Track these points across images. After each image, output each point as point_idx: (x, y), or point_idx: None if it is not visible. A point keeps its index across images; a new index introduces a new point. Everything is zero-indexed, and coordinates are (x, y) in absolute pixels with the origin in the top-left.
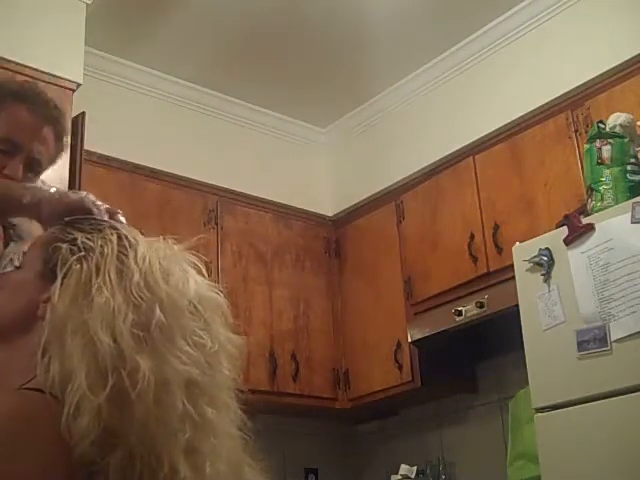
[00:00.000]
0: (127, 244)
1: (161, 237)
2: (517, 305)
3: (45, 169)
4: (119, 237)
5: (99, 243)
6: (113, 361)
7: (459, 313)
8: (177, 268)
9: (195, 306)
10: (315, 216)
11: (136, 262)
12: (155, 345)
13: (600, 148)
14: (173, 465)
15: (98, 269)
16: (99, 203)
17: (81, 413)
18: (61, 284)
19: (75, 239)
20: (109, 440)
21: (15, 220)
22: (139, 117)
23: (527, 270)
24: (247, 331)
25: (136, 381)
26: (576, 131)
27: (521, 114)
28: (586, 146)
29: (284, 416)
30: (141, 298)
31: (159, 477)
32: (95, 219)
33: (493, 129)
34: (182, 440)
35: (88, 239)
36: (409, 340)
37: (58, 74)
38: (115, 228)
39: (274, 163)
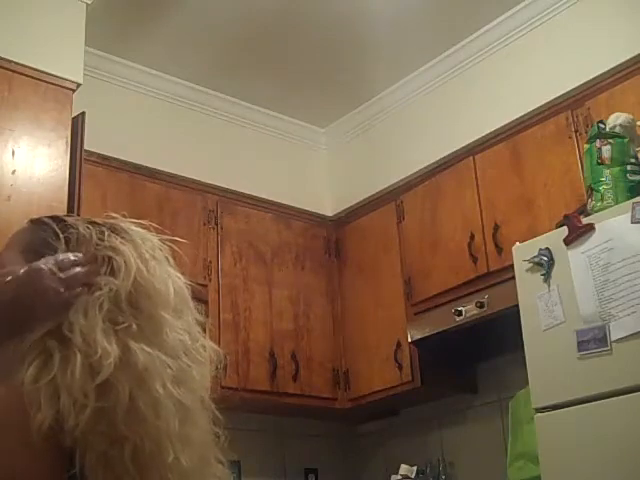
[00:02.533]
0: (115, 262)
1: (146, 229)
2: (517, 305)
3: None
4: (110, 253)
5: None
6: (98, 357)
7: (459, 313)
8: (160, 271)
9: (176, 306)
10: (315, 216)
11: (122, 278)
12: (142, 340)
13: (600, 148)
14: (166, 449)
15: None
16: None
17: (69, 407)
18: None
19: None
20: (98, 431)
21: None
22: (139, 117)
23: (527, 270)
24: (247, 331)
25: (125, 376)
26: (576, 131)
27: (521, 114)
28: (586, 146)
29: (284, 416)
30: (127, 305)
31: (157, 464)
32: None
33: (493, 129)
34: (174, 427)
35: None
36: (409, 340)
37: (58, 74)
38: (103, 241)
39: (274, 163)
